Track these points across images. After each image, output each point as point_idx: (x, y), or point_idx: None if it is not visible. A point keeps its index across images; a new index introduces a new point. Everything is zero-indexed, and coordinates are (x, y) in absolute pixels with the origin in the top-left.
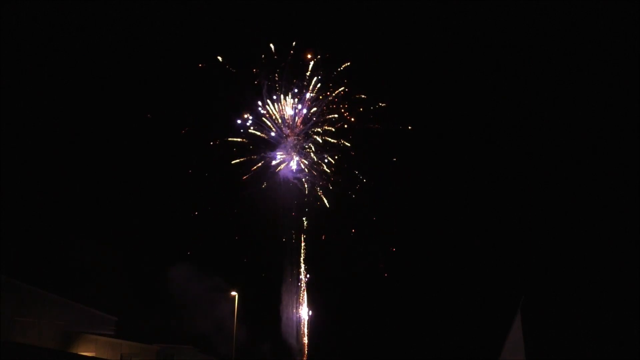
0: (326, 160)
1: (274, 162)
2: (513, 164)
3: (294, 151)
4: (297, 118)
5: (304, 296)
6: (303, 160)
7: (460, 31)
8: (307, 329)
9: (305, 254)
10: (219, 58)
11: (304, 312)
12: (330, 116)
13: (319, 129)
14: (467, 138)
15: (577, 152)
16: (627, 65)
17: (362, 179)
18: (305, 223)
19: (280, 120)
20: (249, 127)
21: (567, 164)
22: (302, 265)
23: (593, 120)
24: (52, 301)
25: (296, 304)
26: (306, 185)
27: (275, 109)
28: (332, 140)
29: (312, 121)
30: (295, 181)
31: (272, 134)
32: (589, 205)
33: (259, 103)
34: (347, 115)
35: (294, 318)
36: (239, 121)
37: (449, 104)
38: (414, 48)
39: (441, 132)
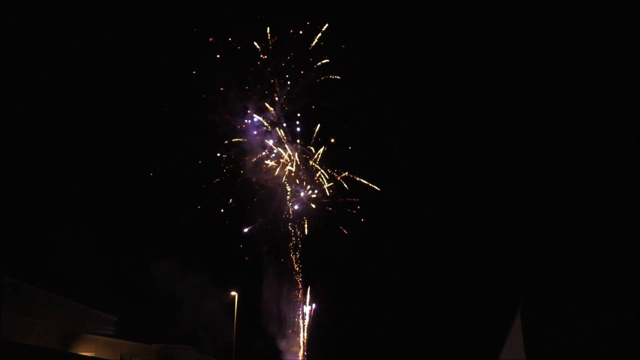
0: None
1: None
2: (513, 164)
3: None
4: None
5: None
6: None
7: (455, 31)
8: (305, 326)
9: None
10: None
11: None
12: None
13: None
14: (467, 137)
15: (577, 152)
16: (627, 65)
17: (356, 177)
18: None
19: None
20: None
21: (567, 164)
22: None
23: (593, 120)
24: (52, 301)
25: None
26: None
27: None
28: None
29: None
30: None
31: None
32: (589, 206)
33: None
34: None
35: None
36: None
37: (451, 102)
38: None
39: (441, 131)
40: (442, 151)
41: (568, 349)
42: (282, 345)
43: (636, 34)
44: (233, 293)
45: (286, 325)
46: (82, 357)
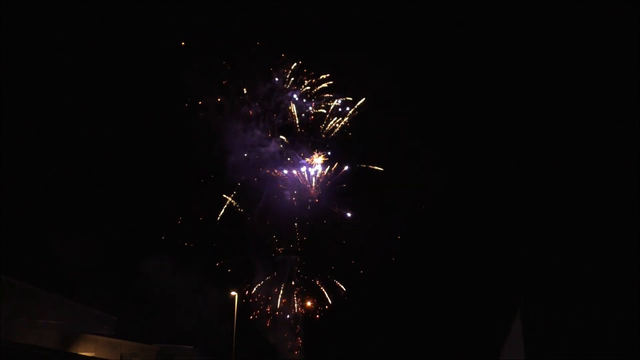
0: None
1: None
2: (513, 164)
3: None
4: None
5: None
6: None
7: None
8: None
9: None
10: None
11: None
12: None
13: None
14: (466, 138)
15: (576, 152)
16: (627, 65)
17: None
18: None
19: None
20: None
21: (566, 164)
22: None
23: (592, 120)
24: (52, 301)
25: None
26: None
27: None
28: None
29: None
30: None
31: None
32: (589, 205)
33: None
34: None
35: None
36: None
37: (450, 103)
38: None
39: (440, 132)
40: (442, 151)
41: (568, 349)
42: (273, 339)
43: (636, 34)
44: (233, 293)
45: (279, 323)
46: (82, 357)
